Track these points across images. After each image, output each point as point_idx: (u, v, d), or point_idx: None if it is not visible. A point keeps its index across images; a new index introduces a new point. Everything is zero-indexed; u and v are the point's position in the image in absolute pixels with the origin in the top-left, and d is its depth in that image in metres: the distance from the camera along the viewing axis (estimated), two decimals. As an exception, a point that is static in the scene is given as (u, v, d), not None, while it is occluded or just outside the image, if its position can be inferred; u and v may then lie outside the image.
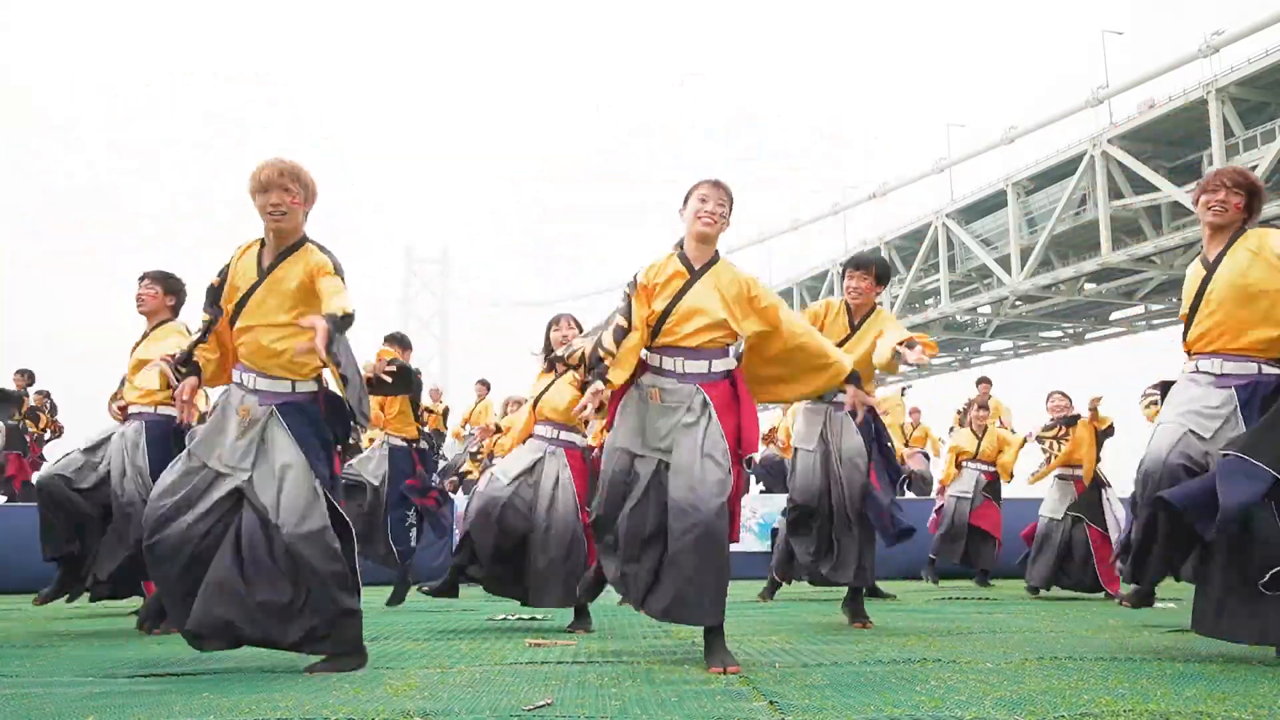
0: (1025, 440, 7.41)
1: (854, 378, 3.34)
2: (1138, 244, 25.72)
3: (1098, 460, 6.45)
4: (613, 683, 2.60)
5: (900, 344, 3.59)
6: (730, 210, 3.16)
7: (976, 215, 31.86)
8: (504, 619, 4.78)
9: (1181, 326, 3.38)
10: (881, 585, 6.30)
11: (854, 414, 3.54)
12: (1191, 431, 3.15)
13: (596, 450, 6.08)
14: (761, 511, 8.71)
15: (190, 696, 2.40)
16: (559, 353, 4.25)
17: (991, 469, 7.59)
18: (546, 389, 4.40)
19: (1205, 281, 3.22)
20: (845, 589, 4.45)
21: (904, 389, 10.44)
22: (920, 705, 2.18)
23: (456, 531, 7.59)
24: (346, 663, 2.89)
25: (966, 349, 38.76)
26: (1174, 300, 27.33)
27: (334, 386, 3.04)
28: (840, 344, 4.27)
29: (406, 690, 2.47)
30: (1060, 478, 6.61)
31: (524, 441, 4.46)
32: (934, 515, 7.84)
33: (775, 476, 9.95)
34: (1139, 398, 4.44)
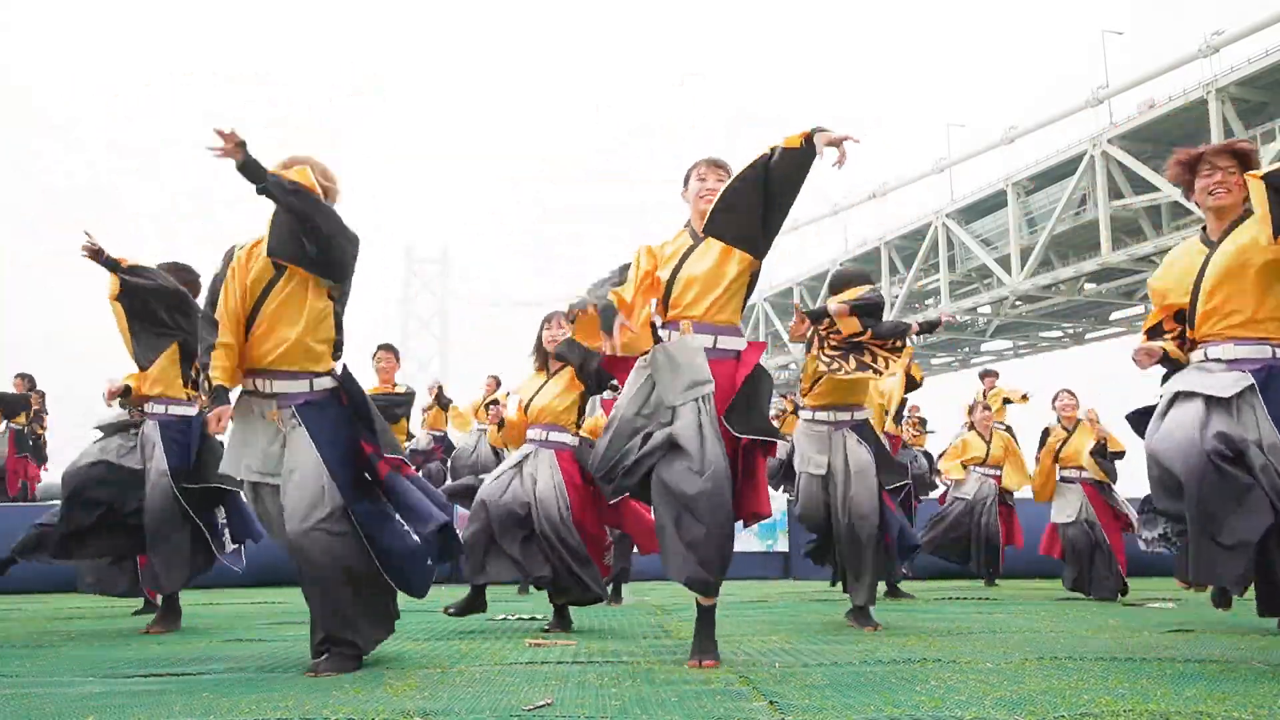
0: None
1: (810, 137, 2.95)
2: (1138, 244, 25.73)
3: (1112, 477, 6.37)
4: (613, 683, 2.60)
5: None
6: None
7: (976, 215, 31.89)
8: (504, 619, 4.78)
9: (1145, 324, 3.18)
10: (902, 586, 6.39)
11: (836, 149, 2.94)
12: (1211, 399, 2.83)
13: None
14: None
15: (190, 696, 2.40)
16: (557, 349, 4.21)
17: (999, 473, 7.40)
18: (538, 391, 4.29)
19: (1208, 260, 2.97)
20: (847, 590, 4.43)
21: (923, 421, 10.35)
22: (920, 705, 2.18)
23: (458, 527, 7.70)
24: (346, 664, 2.88)
25: (966, 349, 38.79)
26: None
27: (347, 385, 3.05)
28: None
29: (406, 690, 2.47)
30: (1064, 480, 6.54)
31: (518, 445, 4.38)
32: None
33: (773, 476, 9.89)
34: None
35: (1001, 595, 6.56)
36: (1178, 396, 2.96)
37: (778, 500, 8.32)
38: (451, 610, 4.23)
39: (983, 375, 9.05)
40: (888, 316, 4.53)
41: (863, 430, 4.29)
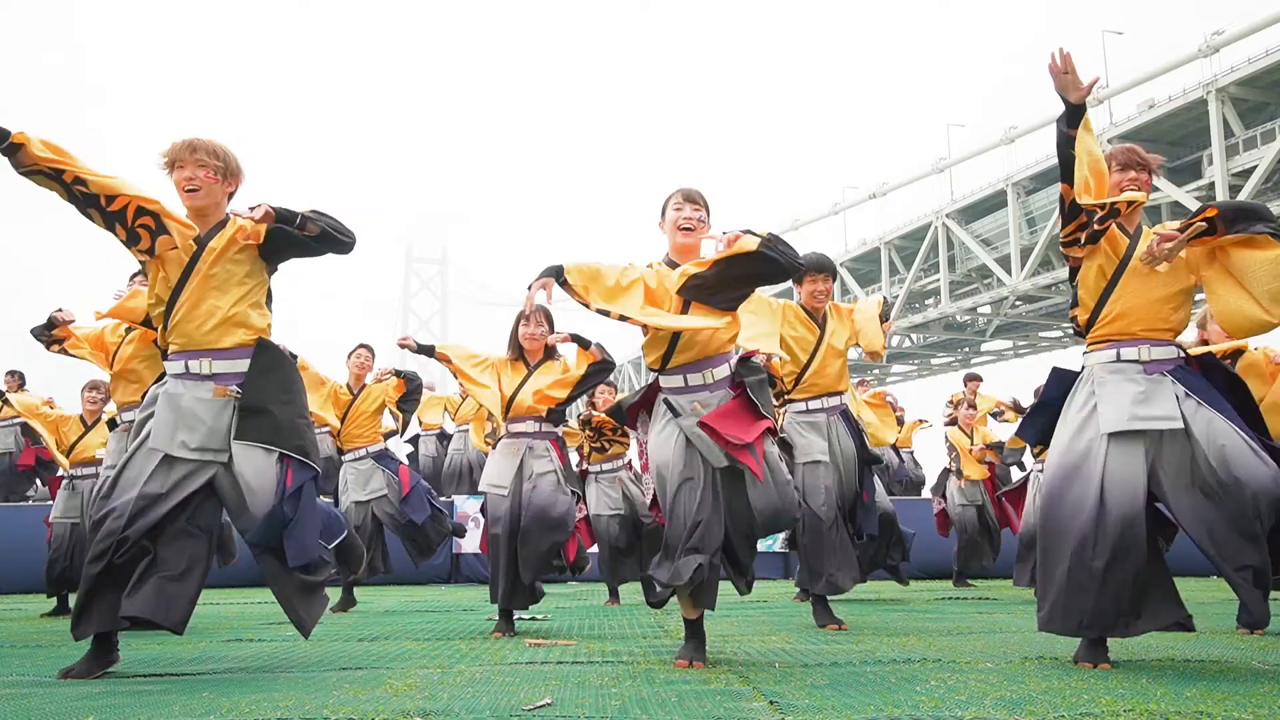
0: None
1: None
2: (1138, 244, 25.70)
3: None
4: (613, 683, 2.60)
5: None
6: (708, 213, 3.09)
7: (976, 215, 31.92)
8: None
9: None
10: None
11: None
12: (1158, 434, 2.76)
13: (590, 413, 6.20)
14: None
15: (190, 696, 2.40)
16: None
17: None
18: (521, 385, 4.25)
19: (1130, 252, 2.94)
20: (847, 590, 4.40)
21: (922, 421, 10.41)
22: (920, 705, 2.18)
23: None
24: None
25: (966, 349, 38.81)
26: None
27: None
28: (815, 346, 4.43)
29: (406, 690, 2.47)
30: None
31: (496, 444, 4.37)
32: (936, 515, 7.83)
33: None
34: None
35: (1002, 595, 6.57)
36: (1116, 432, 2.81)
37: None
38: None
39: (967, 380, 9.08)
40: (895, 313, 4.72)
41: (847, 417, 4.46)
